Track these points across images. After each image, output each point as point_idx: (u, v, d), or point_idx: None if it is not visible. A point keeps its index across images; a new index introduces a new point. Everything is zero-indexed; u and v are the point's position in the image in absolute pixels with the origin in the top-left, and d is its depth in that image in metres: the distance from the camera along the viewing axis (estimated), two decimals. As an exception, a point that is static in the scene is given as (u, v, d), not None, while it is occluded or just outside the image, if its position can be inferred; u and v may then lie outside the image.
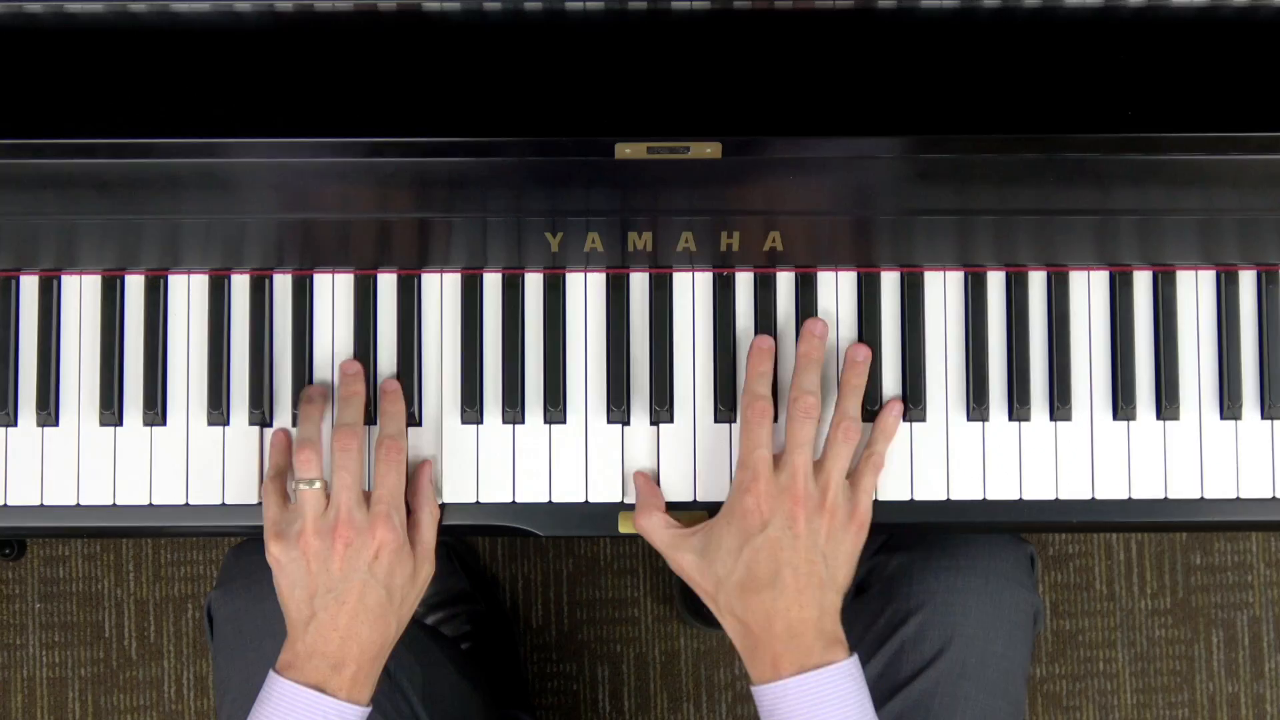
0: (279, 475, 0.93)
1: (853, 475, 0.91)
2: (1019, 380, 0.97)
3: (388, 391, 0.95)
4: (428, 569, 0.92)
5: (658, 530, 0.91)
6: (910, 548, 1.03)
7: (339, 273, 0.97)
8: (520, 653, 1.65)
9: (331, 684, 0.86)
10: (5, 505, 0.97)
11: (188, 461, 0.97)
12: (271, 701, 0.85)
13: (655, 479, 0.96)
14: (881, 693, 0.98)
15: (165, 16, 0.86)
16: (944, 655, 0.98)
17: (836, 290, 0.98)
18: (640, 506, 0.93)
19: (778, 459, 0.89)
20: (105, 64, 0.86)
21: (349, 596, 0.87)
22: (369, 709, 0.89)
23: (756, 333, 0.96)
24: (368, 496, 0.91)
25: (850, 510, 0.89)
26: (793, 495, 0.87)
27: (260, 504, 0.94)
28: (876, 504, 0.94)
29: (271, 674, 0.87)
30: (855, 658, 0.86)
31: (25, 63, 0.86)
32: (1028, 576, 1.02)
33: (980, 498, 0.97)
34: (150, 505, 0.97)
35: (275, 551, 0.89)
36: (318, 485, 0.90)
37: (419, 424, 0.97)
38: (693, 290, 0.98)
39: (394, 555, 0.89)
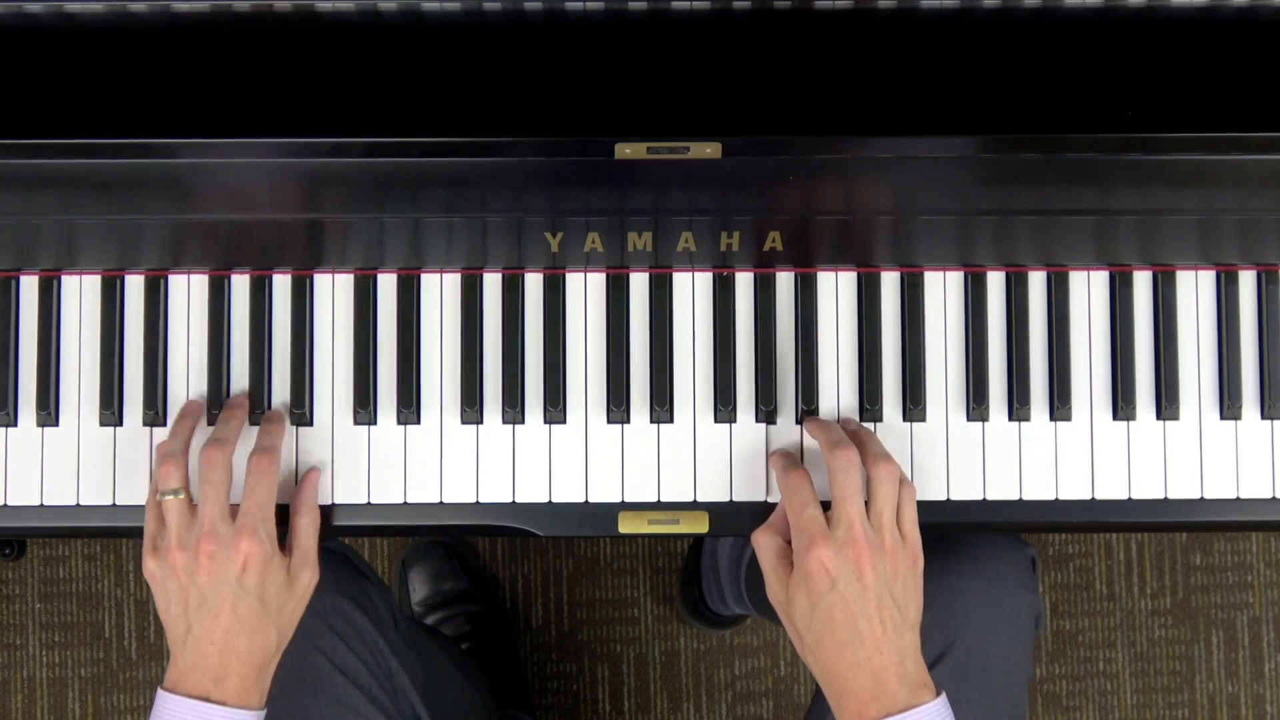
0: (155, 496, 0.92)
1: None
2: (1019, 380, 0.97)
3: (270, 415, 0.96)
4: (308, 575, 0.91)
5: (768, 554, 0.91)
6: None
7: (339, 273, 0.97)
8: (520, 653, 1.65)
9: (215, 694, 0.86)
10: (5, 505, 0.97)
11: (187, 461, 0.97)
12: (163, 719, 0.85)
13: (655, 478, 0.96)
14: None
15: (165, 16, 0.86)
16: (946, 658, 0.98)
17: (836, 290, 0.98)
18: (764, 526, 0.92)
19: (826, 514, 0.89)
20: (105, 64, 0.86)
21: (221, 610, 0.87)
22: (263, 711, 0.88)
23: (757, 332, 0.97)
24: (235, 511, 0.90)
25: (904, 545, 0.89)
26: (855, 546, 0.86)
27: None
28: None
29: (160, 692, 0.87)
30: (943, 698, 0.86)
31: (25, 63, 0.86)
32: (1029, 579, 1.03)
33: (980, 498, 0.97)
34: (150, 505, 0.97)
35: (150, 566, 0.89)
36: (181, 496, 0.89)
37: (418, 423, 0.97)
38: (693, 290, 0.98)
39: (262, 567, 0.88)
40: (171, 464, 0.90)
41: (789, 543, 0.90)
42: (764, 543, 0.91)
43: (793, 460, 0.94)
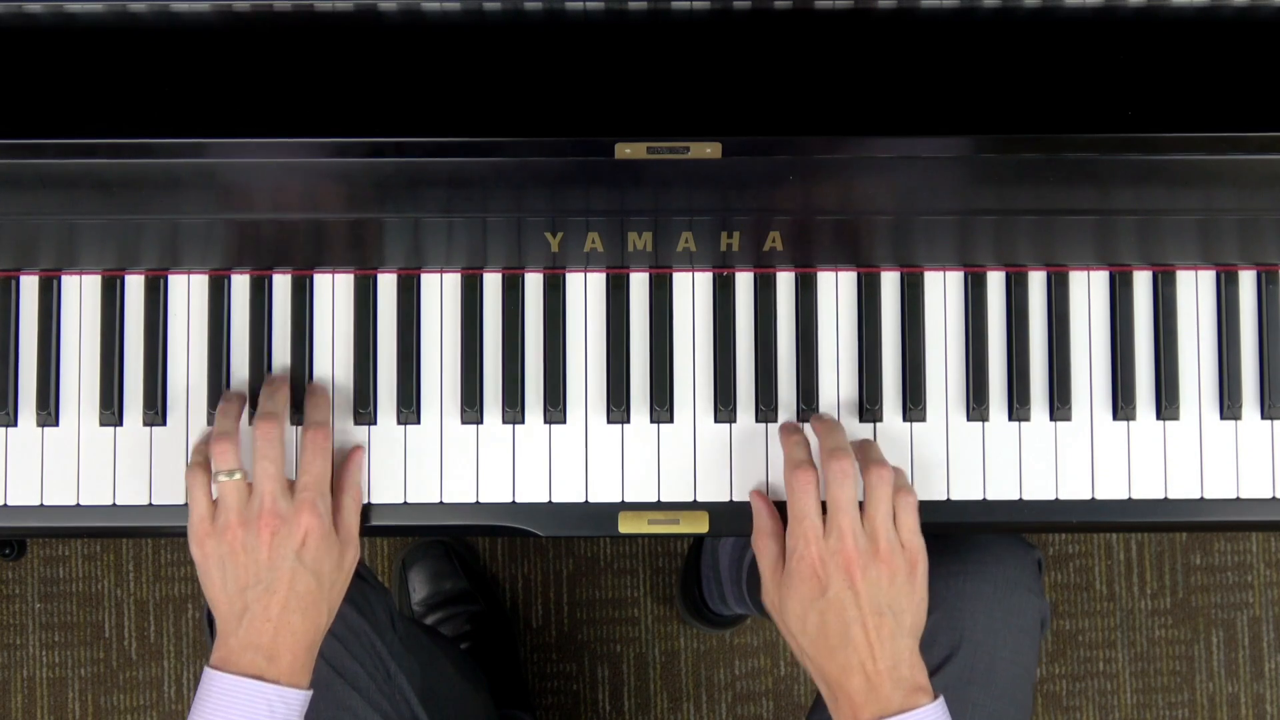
0: (206, 465, 0.91)
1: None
2: (1019, 380, 0.97)
3: (314, 389, 0.96)
4: (352, 554, 0.92)
5: (769, 560, 0.91)
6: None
7: (339, 273, 0.97)
8: (520, 653, 1.65)
9: (269, 674, 0.86)
10: (5, 505, 0.97)
11: (188, 461, 0.97)
12: (213, 697, 0.85)
13: (655, 478, 0.96)
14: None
15: (165, 16, 0.86)
16: (952, 661, 0.97)
17: (836, 290, 0.98)
18: (758, 529, 0.93)
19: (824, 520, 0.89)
20: (105, 64, 0.86)
21: (279, 585, 0.87)
22: (310, 691, 0.89)
23: (757, 332, 0.97)
24: (291, 486, 0.90)
25: (901, 552, 0.89)
26: (845, 555, 0.87)
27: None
28: (876, 504, 0.94)
29: (208, 670, 0.86)
30: (940, 702, 0.86)
31: (25, 63, 0.86)
32: (1035, 582, 1.02)
33: (980, 498, 0.97)
34: (150, 505, 0.97)
35: (209, 546, 0.88)
36: (238, 476, 0.89)
37: (418, 423, 0.97)
38: (693, 290, 0.98)
39: (321, 541, 0.88)
40: (227, 442, 0.90)
41: (782, 533, 0.91)
42: (765, 549, 0.92)
43: (805, 452, 0.93)
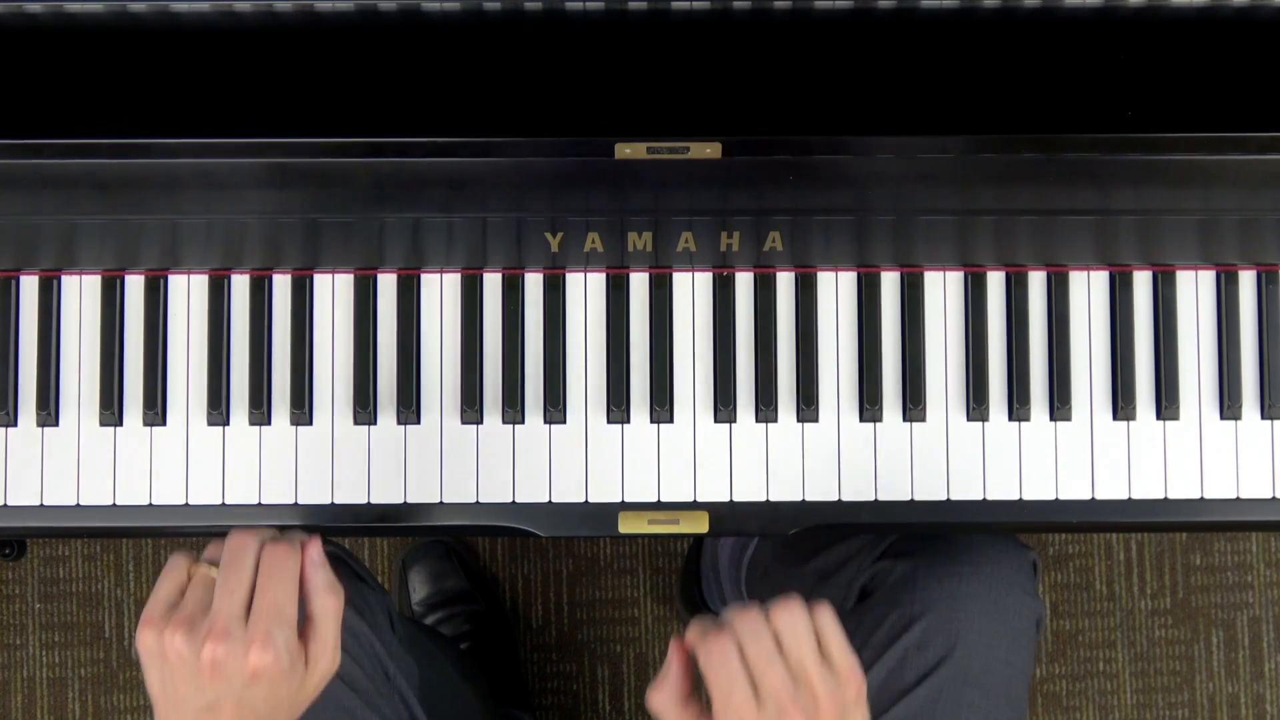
0: (191, 554, 0.83)
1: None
2: (1019, 380, 0.97)
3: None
4: (326, 665, 0.80)
5: (670, 716, 0.81)
6: (913, 554, 1.03)
7: (339, 273, 0.97)
8: (520, 653, 1.65)
9: None
10: (5, 505, 0.97)
11: (187, 461, 0.97)
12: None
13: (655, 478, 0.96)
14: (884, 700, 0.97)
15: (165, 16, 0.86)
16: (947, 662, 0.97)
17: (836, 290, 0.98)
18: (660, 682, 0.81)
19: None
20: (105, 64, 0.86)
21: (224, 708, 0.77)
22: None
23: (757, 332, 0.97)
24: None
25: (835, 680, 0.79)
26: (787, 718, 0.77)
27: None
28: (877, 504, 0.94)
29: None
30: None
31: (25, 63, 0.86)
32: (1030, 582, 1.02)
33: (980, 498, 0.97)
34: (150, 505, 0.97)
35: (147, 640, 0.78)
36: (214, 573, 0.80)
37: (418, 423, 0.97)
38: (693, 290, 0.98)
39: (273, 681, 0.77)
40: (237, 538, 0.81)
41: (687, 695, 0.81)
42: (660, 704, 0.81)
43: (710, 623, 0.81)
